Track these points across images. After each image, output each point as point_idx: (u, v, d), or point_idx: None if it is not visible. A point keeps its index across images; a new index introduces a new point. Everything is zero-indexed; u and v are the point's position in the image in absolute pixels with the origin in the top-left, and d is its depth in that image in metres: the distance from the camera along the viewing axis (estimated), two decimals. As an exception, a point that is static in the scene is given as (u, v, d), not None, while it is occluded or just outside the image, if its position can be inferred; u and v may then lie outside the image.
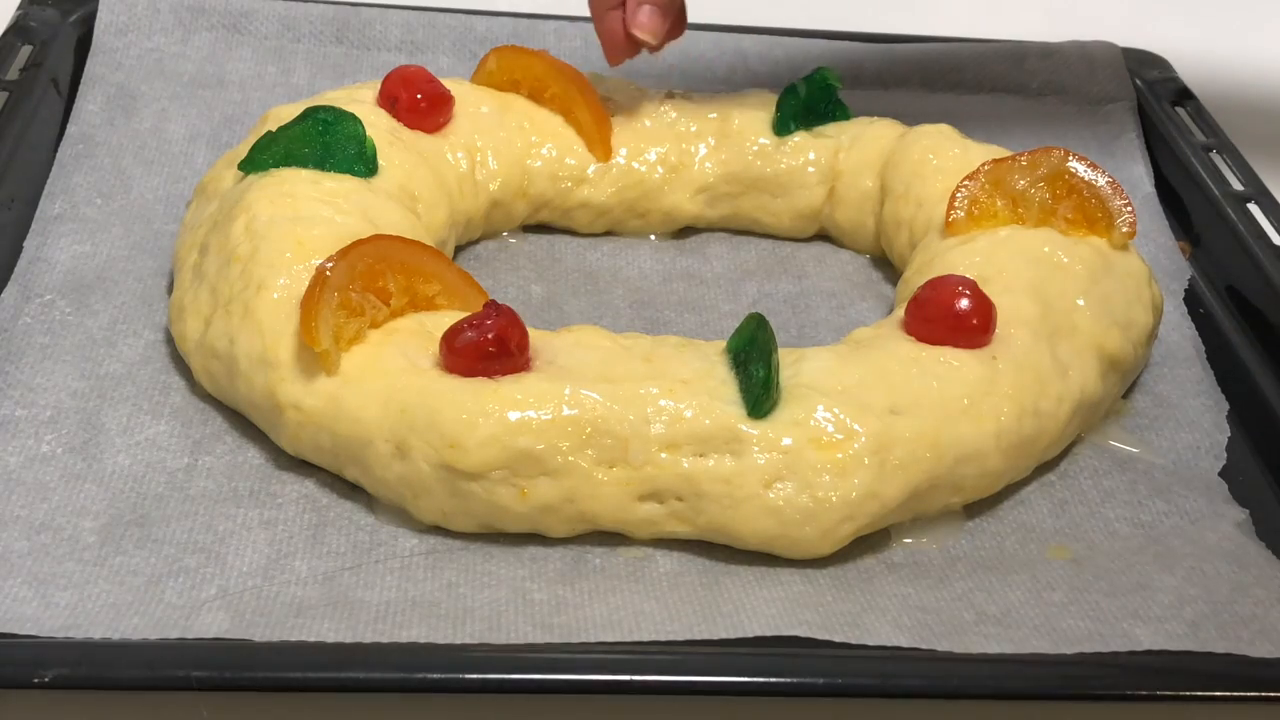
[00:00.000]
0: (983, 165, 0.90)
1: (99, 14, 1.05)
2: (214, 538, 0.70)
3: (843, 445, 0.72)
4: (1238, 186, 1.01)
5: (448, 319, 0.75)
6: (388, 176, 0.86)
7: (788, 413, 0.72)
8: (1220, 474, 0.81)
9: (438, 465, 0.70)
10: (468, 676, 0.62)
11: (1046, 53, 1.16)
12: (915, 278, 0.85)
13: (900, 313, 0.81)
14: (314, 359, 0.73)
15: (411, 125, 0.91)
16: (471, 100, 0.94)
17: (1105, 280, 0.84)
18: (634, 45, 0.93)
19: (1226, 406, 0.85)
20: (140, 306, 0.84)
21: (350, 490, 0.74)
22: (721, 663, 0.64)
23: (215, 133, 0.99)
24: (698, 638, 0.65)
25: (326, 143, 0.84)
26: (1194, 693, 0.66)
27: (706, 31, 1.14)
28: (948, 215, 0.88)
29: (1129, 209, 0.88)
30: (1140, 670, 0.66)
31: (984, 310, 0.78)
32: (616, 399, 0.71)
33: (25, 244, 0.86)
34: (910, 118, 1.01)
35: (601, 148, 0.95)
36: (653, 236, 0.98)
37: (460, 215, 0.91)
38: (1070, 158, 0.88)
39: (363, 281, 0.74)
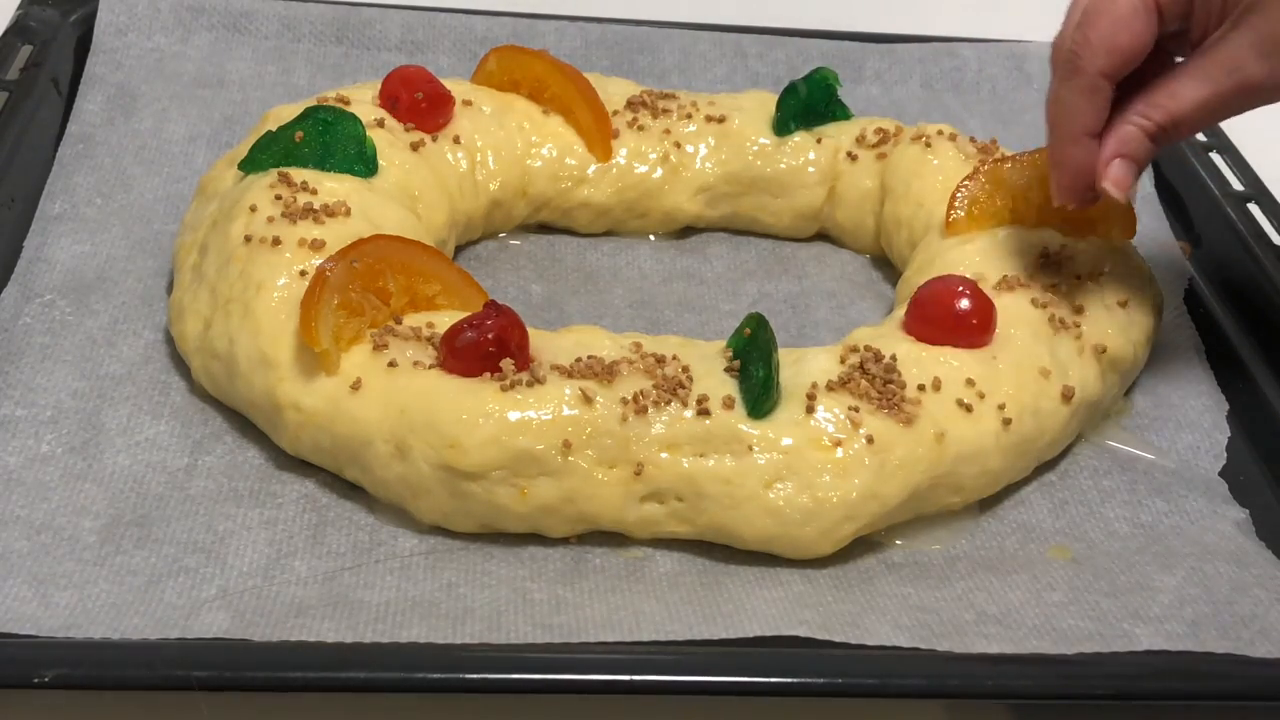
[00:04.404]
0: (982, 165, 0.90)
1: (99, 14, 1.05)
2: (214, 538, 0.70)
3: (843, 445, 0.72)
4: (1238, 186, 1.01)
5: (448, 319, 0.75)
6: (388, 176, 0.86)
7: (788, 413, 0.72)
8: (1220, 474, 0.81)
9: (438, 465, 0.70)
10: (468, 676, 0.62)
11: (1047, 53, 1.15)
12: (915, 277, 0.85)
13: (900, 313, 0.81)
14: (314, 359, 0.73)
15: (411, 125, 0.91)
16: (471, 100, 0.94)
17: (1105, 280, 0.84)
18: (1095, 193, 0.79)
19: (1226, 406, 0.85)
20: (140, 306, 0.84)
21: (350, 490, 0.74)
22: (721, 663, 0.64)
23: (215, 133, 0.99)
24: (698, 638, 0.65)
25: (326, 143, 0.84)
26: (1193, 699, 0.66)
27: (706, 31, 1.14)
28: (948, 215, 0.88)
29: (1129, 209, 0.88)
30: (1140, 670, 0.66)
31: (984, 310, 0.78)
32: (616, 399, 0.71)
33: (25, 244, 0.86)
34: (910, 118, 1.00)
35: (601, 148, 0.95)
36: (652, 236, 0.98)
37: (460, 215, 0.91)
38: (1070, 158, 0.88)
39: (363, 281, 0.74)
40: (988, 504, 0.78)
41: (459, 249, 0.94)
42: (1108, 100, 0.76)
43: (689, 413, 0.71)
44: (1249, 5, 0.70)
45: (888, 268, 0.97)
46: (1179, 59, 0.77)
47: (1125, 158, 0.76)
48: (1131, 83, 0.76)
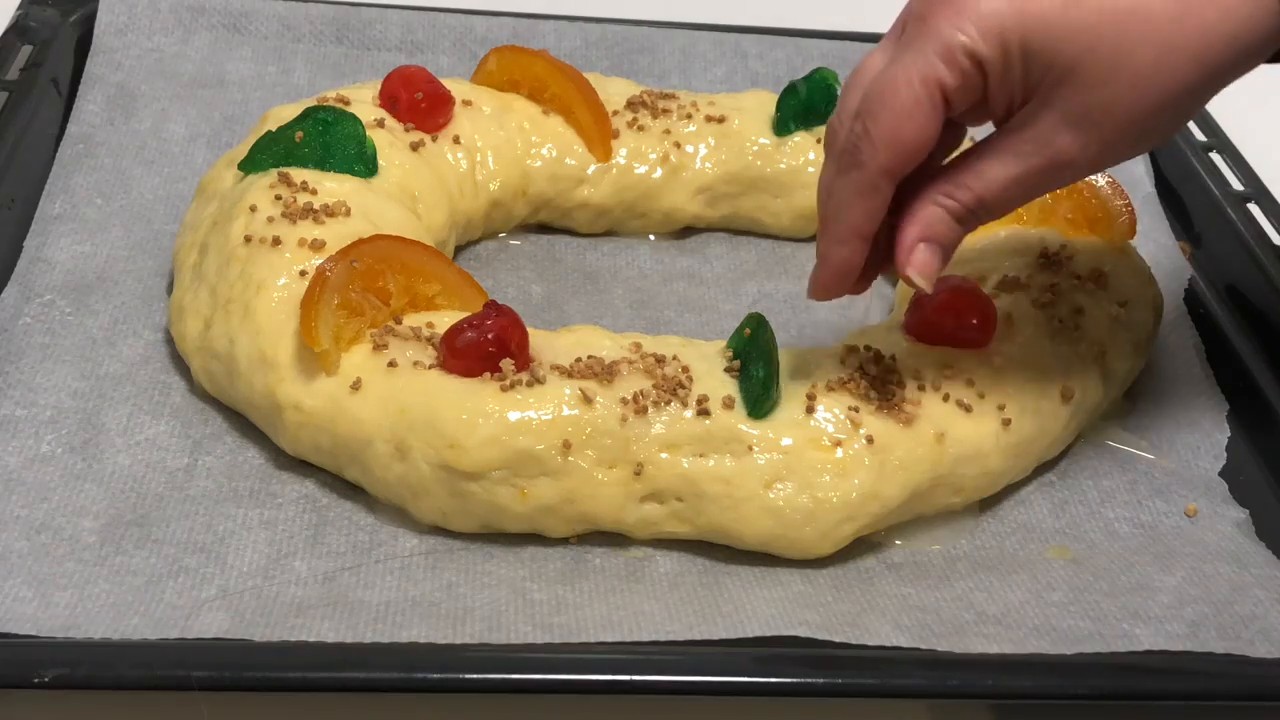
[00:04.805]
0: (983, 165, 0.89)
1: (99, 14, 1.05)
2: (214, 538, 0.70)
3: (843, 445, 0.72)
4: (1238, 186, 1.01)
5: (448, 319, 0.75)
6: (388, 176, 0.86)
7: (787, 413, 0.72)
8: (1220, 474, 0.81)
9: (437, 465, 0.70)
10: (468, 676, 0.62)
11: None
12: (915, 278, 0.85)
13: (900, 313, 0.81)
14: (314, 359, 0.73)
15: (411, 125, 0.91)
16: (471, 100, 0.94)
17: (1105, 280, 0.84)
18: (862, 283, 0.73)
19: (1226, 406, 0.85)
20: (140, 306, 0.84)
21: (350, 490, 0.74)
22: (721, 663, 0.64)
23: (215, 133, 0.99)
24: (697, 638, 0.65)
25: (326, 143, 0.84)
26: (1193, 699, 0.66)
27: (706, 31, 1.14)
28: (948, 215, 0.88)
29: (1129, 209, 0.88)
30: (1140, 670, 0.66)
31: (984, 310, 0.78)
32: (616, 399, 0.71)
33: (25, 244, 0.86)
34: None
35: (601, 148, 0.95)
36: (652, 236, 0.98)
37: (460, 215, 0.91)
38: (1070, 158, 0.88)
39: (363, 281, 0.74)
40: (988, 504, 0.78)
41: (459, 249, 0.94)
42: (886, 201, 0.68)
43: (689, 413, 0.71)
44: (1057, 79, 0.65)
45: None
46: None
47: (930, 242, 0.69)
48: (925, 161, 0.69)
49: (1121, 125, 0.65)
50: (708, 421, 0.71)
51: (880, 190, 0.68)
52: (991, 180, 0.67)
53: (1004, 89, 0.66)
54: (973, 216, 0.69)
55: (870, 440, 0.72)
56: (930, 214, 0.69)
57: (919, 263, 0.69)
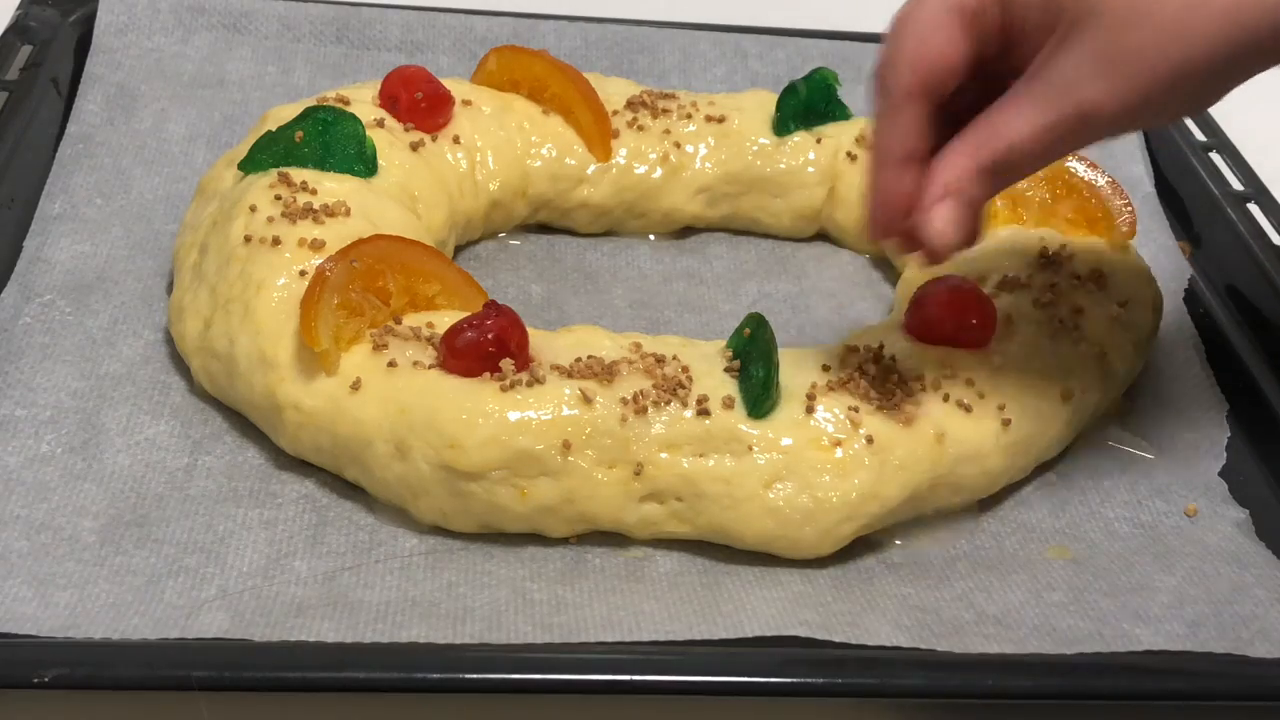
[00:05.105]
0: (983, 165, 0.89)
1: (99, 14, 1.05)
2: (214, 538, 0.70)
3: (843, 445, 0.72)
4: (1238, 186, 1.01)
5: (448, 319, 0.75)
6: (388, 176, 0.86)
7: (787, 413, 0.72)
8: (1220, 474, 0.81)
9: (437, 465, 0.70)
10: (468, 676, 0.62)
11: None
12: (915, 277, 0.85)
13: (900, 313, 0.81)
14: (314, 359, 0.73)
15: (411, 125, 0.91)
16: (471, 100, 0.94)
17: (1105, 280, 0.84)
18: (964, 237, 0.68)
19: (1226, 406, 0.85)
20: (140, 306, 0.84)
21: (350, 490, 0.74)
22: (721, 663, 0.64)
23: (215, 133, 0.99)
24: (697, 638, 0.65)
25: (326, 143, 0.84)
26: (1193, 699, 0.66)
27: (706, 31, 1.14)
28: (948, 215, 0.88)
29: (1129, 209, 0.88)
30: (1140, 670, 0.66)
31: (984, 310, 0.78)
32: (616, 399, 0.71)
33: (25, 244, 0.86)
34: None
35: (601, 148, 0.95)
36: (652, 236, 0.98)
37: (460, 215, 0.91)
38: (1070, 158, 0.88)
39: (363, 281, 0.74)
40: (988, 504, 0.78)
41: (459, 249, 0.94)
42: (920, 119, 0.66)
43: (689, 413, 0.71)
44: (1074, 20, 0.62)
45: (888, 268, 0.97)
46: None
47: (955, 196, 0.66)
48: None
49: (1149, 74, 0.63)
50: (707, 421, 0.71)
51: (906, 110, 0.66)
52: (1019, 128, 0.65)
53: (1021, 21, 0.65)
54: (1002, 169, 0.66)
55: (870, 440, 0.72)
56: (955, 164, 0.66)
57: (940, 223, 0.66)
